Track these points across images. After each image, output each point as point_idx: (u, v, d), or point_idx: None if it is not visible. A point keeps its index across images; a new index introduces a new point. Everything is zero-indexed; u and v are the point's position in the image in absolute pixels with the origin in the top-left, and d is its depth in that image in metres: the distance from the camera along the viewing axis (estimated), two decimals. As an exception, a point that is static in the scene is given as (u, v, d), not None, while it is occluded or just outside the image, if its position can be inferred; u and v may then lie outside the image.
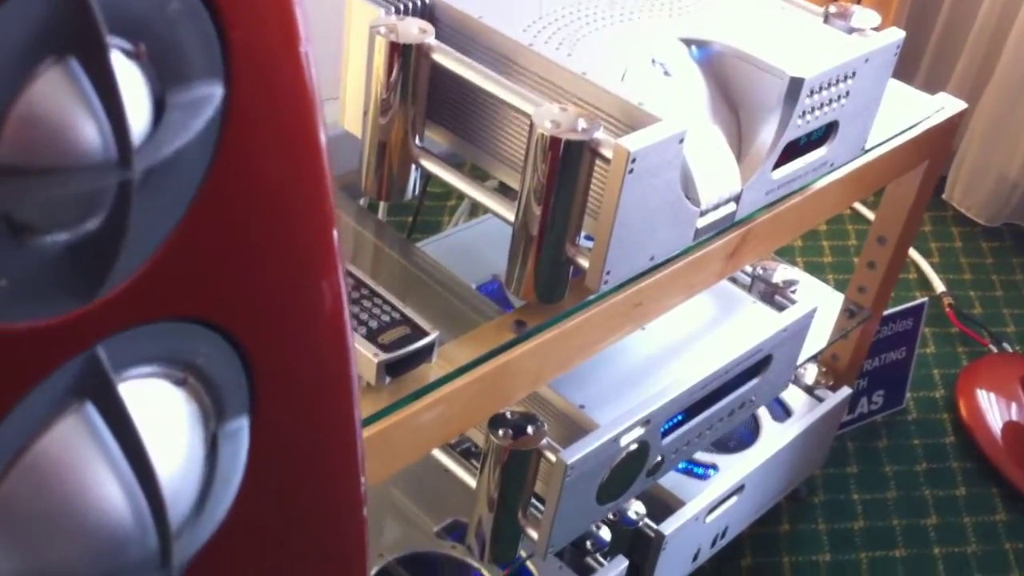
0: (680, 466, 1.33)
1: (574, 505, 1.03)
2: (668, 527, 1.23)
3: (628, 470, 1.07)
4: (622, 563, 1.19)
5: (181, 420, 0.34)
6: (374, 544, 1.15)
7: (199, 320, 0.35)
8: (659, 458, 1.10)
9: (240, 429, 0.37)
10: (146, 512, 0.32)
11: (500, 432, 0.99)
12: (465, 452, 1.21)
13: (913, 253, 2.10)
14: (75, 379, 0.31)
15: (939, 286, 2.04)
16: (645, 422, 1.04)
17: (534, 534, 1.04)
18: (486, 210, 0.94)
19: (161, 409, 0.34)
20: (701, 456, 1.34)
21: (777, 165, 1.01)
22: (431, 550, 1.16)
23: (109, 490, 0.31)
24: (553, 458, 0.99)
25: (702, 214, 0.95)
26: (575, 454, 0.99)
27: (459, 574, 1.15)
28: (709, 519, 1.29)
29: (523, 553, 1.09)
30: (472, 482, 1.07)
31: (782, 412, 1.44)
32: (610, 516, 1.20)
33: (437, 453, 1.20)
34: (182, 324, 0.34)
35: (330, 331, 0.44)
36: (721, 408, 1.15)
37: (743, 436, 1.40)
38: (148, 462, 0.32)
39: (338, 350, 0.45)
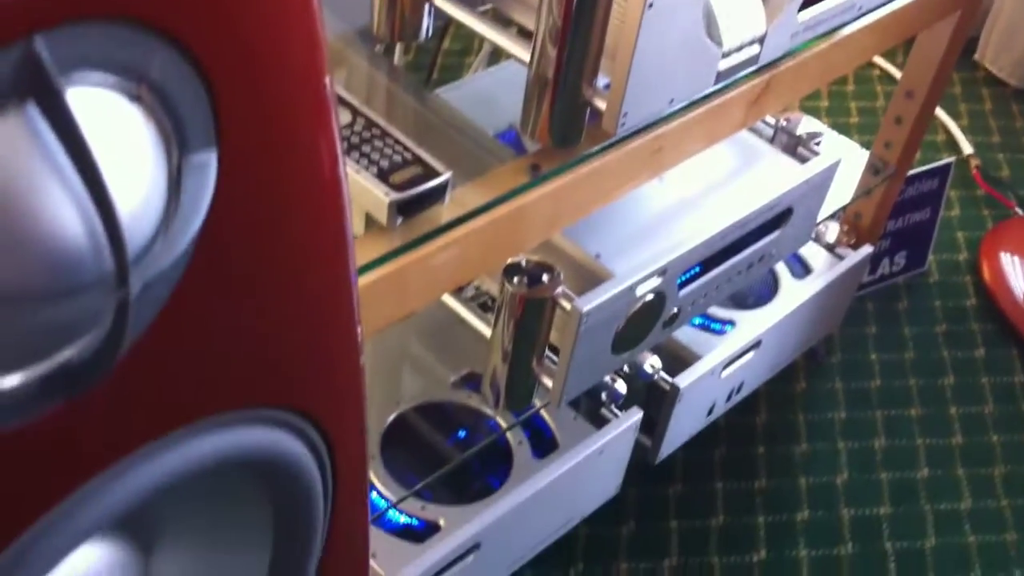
0: (697, 321, 1.33)
1: (589, 354, 1.02)
2: (683, 380, 1.23)
3: (644, 321, 1.06)
4: (637, 414, 1.19)
5: (137, 139, 0.33)
6: (391, 394, 1.16)
7: (149, 24, 0.31)
8: (675, 310, 1.10)
9: (206, 164, 0.35)
10: (100, 229, 0.31)
11: (515, 280, 0.98)
12: (482, 305, 1.21)
13: (942, 115, 2.06)
14: (12, 75, 0.29)
15: (967, 148, 2.00)
16: (662, 272, 1.03)
17: (549, 383, 1.04)
18: (506, 56, 0.91)
19: (114, 123, 0.32)
20: (718, 312, 1.33)
21: (803, 7, 0.97)
22: (447, 399, 1.16)
23: (57, 201, 0.29)
24: (568, 306, 0.98)
25: (724, 55, 0.92)
26: (590, 302, 0.98)
27: (474, 423, 1.16)
28: (725, 374, 1.29)
29: (537, 402, 1.09)
30: (488, 333, 1.06)
31: (802, 270, 1.42)
32: (625, 370, 1.21)
33: (454, 304, 1.20)
34: (131, 27, 0.31)
35: (302, 59, 0.39)
36: (739, 261, 1.14)
37: (761, 293, 1.39)
38: (99, 174, 0.30)
39: (313, 88, 0.40)
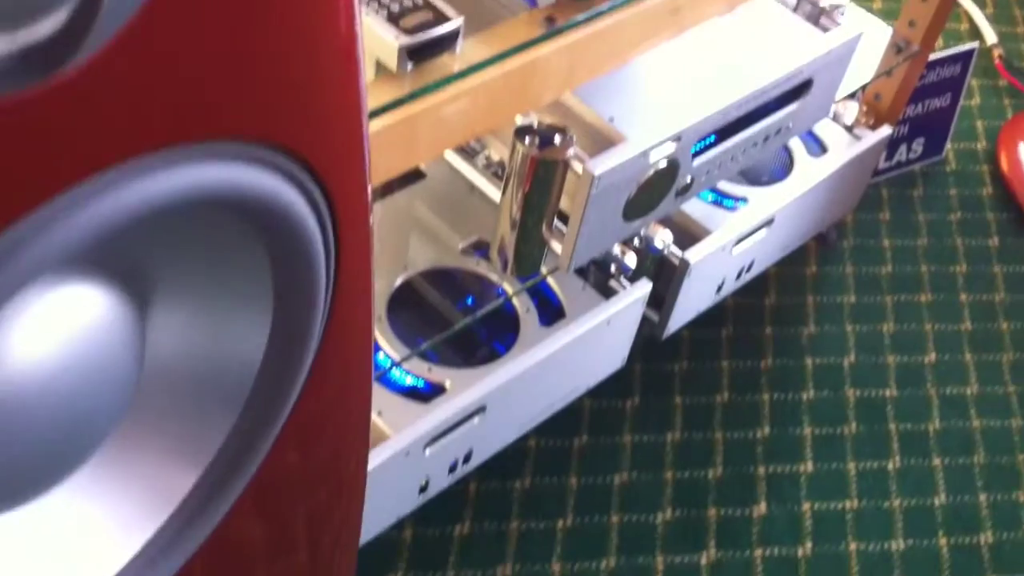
0: (710, 197, 1.31)
1: (599, 219, 1.02)
2: (694, 255, 1.22)
3: (656, 188, 1.05)
4: (646, 286, 1.19)
5: None
6: (398, 258, 1.16)
7: None
8: (688, 179, 1.08)
9: None
10: None
11: (526, 141, 0.97)
12: (495, 174, 1.20)
13: (966, 2, 2.01)
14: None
15: (991, 37, 1.96)
16: (676, 139, 1.02)
17: (558, 247, 1.03)
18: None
19: None
20: (732, 189, 1.32)
21: None
22: (455, 266, 1.16)
23: None
24: (580, 168, 0.97)
25: (748, -91, 0.89)
26: (603, 165, 0.97)
27: (482, 290, 1.16)
28: (736, 251, 1.28)
29: (545, 269, 1.09)
30: (499, 201, 1.05)
31: (818, 149, 1.40)
32: (635, 243, 1.20)
33: (465, 171, 1.18)
34: None
35: None
36: (755, 132, 1.12)
37: (776, 172, 1.37)
38: None
39: None
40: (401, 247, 1.17)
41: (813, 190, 1.35)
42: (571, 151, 0.97)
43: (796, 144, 1.38)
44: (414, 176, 1.22)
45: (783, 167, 1.37)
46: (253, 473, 0.32)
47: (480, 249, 1.18)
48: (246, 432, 0.30)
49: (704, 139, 1.07)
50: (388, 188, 1.20)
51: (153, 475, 0.29)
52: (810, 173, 1.35)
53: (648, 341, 1.34)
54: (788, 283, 1.53)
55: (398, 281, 1.14)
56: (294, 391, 0.30)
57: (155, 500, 0.30)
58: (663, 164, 1.03)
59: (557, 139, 0.97)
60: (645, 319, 1.25)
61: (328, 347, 0.32)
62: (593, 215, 1.00)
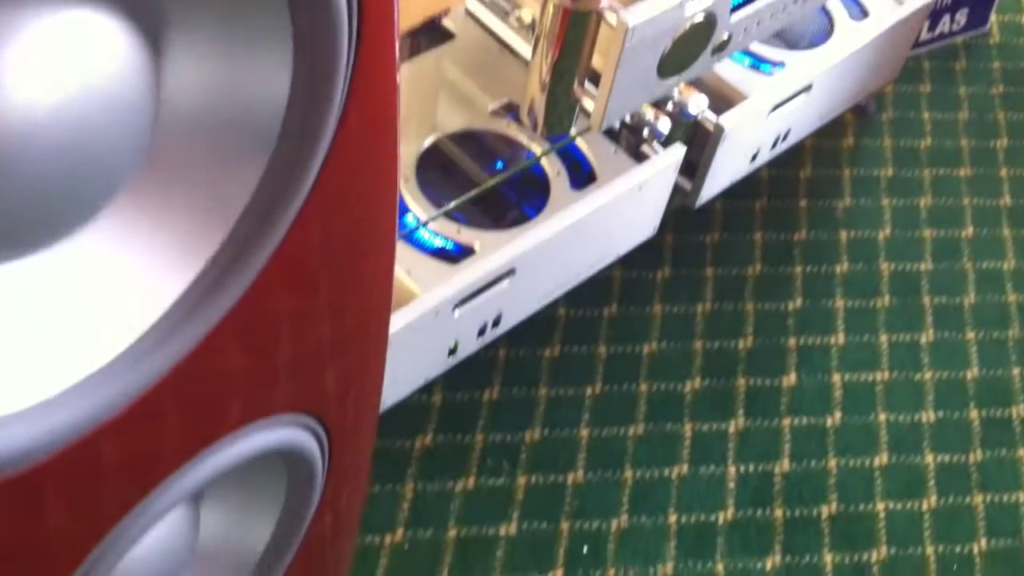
0: (747, 62, 1.28)
1: (633, 75, 0.99)
2: (729, 120, 1.20)
3: (692, 44, 1.02)
4: (679, 150, 1.16)
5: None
6: (427, 120, 1.14)
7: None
8: (726, 35, 1.05)
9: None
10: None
11: (559, -9, 0.94)
12: (527, 33, 1.16)
13: None
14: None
15: (1043, -95, 1.88)
16: (713, -9, 0.99)
17: (590, 105, 1.01)
18: None
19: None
20: (769, 53, 1.28)
21: None
22: (484, 128, 1.14)
23: None
24: (614, 20, 0.94)
25: None
26: (638, 16, 0.94)
27: (511, 153, 1.14)
28: (772, 116, 1.26)
29: (574, 131, 1.07)
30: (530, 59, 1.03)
31: (860, 13, 1.36)
32: (669, 108, 1.17)
33: (497, 29, 1.16)
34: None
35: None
36: (795, -12, 1.09)
37: (815, 37, 1.33)
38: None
39: None
40: (430, 109, 1.15)
41: (853, 56, 1.31)
42: (604, 2, 0.94)
43: (837, 7, 1.34)
44: (444, 37, 1.19)
45: (823, 32, 1.33)
46: (279, 241, 0.31)
47: (511, 111, 1.16)
48: (275, 183, 0.29)
49: (743, -7, 1.03)
50: (416, 48, 1.17)
51: (179, 228, 0.29)
52: (850, 38, 1.31)
53: (680, 211, 1.32)
54: (824, 155, 1.50)
55: (427, 143, 1.12)
56: (322, 139, 0.30)
57: (181, 256, 0.29)
58: (700, 18, 1.00)
59: (590, -10, 0.94)
60: (677, 188, 1.23)
61: (355, 97, 0.31)
62: (626, 70, 0.97)
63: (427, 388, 1.21)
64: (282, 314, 0.34)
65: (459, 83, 1.17)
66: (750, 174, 1.35)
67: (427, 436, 1.20)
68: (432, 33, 1.19)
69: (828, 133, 1.49)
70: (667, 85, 1.05)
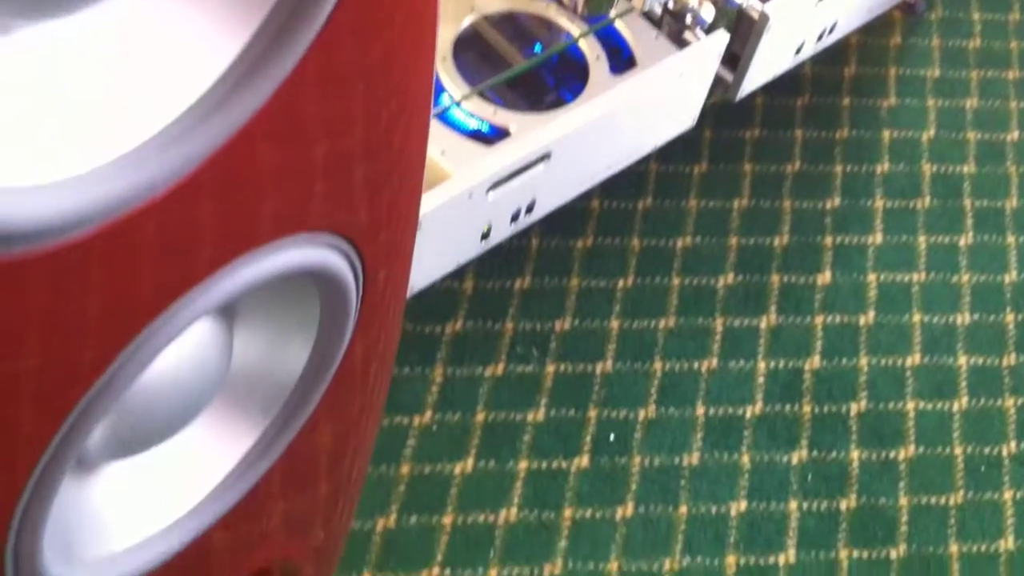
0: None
1: (677, -47, 0.97)
2: (774, 9, 1.17)
3: (739, -77, 0.99)
4: (723, 37, 1.14)
5: None
6: (465, 1, 1.12)
7: None
8: (774, -84, 1.02)
9: None
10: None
11: None
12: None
13: None
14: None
15: None
16: None
17: (632, -16, 0.99)
18: None
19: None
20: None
21: None
22: (524, 9, 1.12)
23: None
24: None
25: None
26: None
27: (549, 36, 1.12)
28: (819, 5, 1.22)
29: (613, 12, 1.04)
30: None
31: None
32: (714, -6, 1.15)
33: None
34: None
35: None
36: None
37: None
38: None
39: None
40: (469, -11, 1.13)
41: (905, -52, 1.27)
42: None
43: None
44: (484, -84, 1.17)
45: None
46: (319, 29, 0.31)
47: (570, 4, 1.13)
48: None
49: None
50: (457, -73, 1.15)
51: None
52: (903, -72, 1.27)
53: (720, 106, 1.30)
54: (870, 53, 1.46)
55: (465, 23, 1.10)
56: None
57: (229, 23, 0.29)
58: None
59: None
60: (718, 79, 1.21)
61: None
62: (671, -53, 0.95)
63: (459, 274, 1.21)
64: (317, 119, 0.34)
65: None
66: (793, 70, 1.32)
67: (457, 322, 1.20)
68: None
69: (875, 31, 1.46)
70: (712, -34, 1.02)
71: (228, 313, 0.42)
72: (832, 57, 1.42)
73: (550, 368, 1.19)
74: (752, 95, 1.31)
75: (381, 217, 0.42)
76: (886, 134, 1.39)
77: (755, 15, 1.17)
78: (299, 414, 0.46)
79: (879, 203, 1.34)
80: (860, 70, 1.44)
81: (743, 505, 1.13)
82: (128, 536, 0.43)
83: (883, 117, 1.41)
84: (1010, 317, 1.27)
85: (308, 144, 0.34)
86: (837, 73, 1.44)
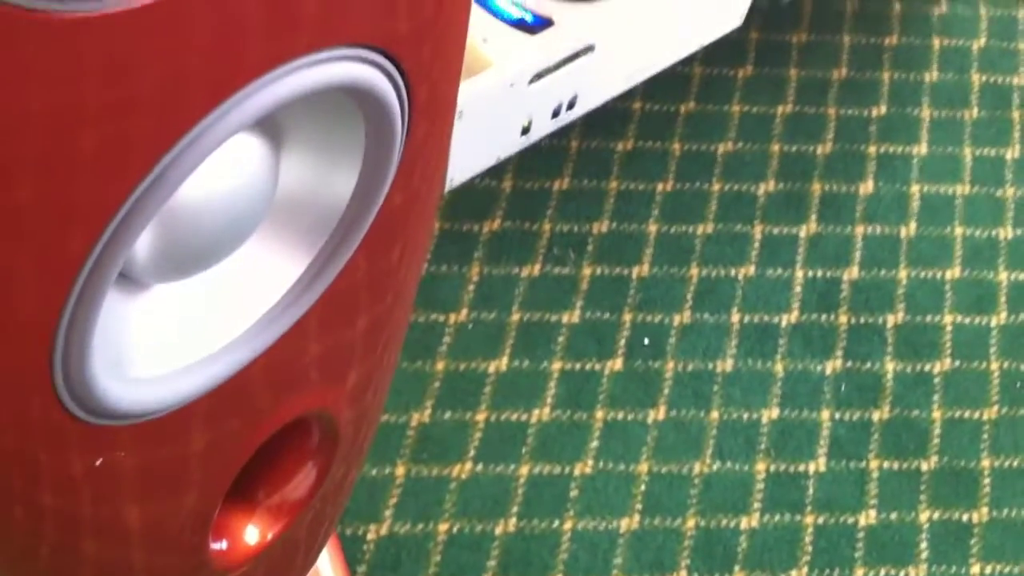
0: None
1: None
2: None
3: None
4: (774, -66, 1.11)
5: None
6: None
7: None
8: None
9: None
10: None
11: None
12: None
13: None
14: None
15: None
16: None
17: None
18: None
19: None
20: None
21: None
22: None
23: None
24: None
25: None
26: None
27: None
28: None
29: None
30: None
31: None
32: None
33: None
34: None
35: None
36: None
37: None
38: None
39: None
40: None
41: None
42: None
43: None
44: None
45: None
46: None
47: None
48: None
49: None
50: None
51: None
52: None
53: (769, 9, 1.27)
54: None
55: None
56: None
57: None
58: None
59: None
60: (768, -21, 1.18)
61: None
62: None
63: (497, 173, 1.20)
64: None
65: None
66: (844, -27, 1.29)
67: (495, 221, 1.19)
68: None
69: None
70: None
71: (274, 134, 0.42)
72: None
73: (586, 270, 1.18)
74: (800, -2, 1.29)
75: (424, 31, 0.41)
76: (936, 42, 1.36)
77: (810, -89, 1.14)
78: (343, 249, 0.46)
79: (926, 112, 1.31)
80: (911, -23, 1.41)
81: (775, 412, 1.12)
82: (174, 359, 0.44)
83: (934, 24, 1.37)
84: (1055, 232, 1.25)
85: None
86: (888, -22, 1.40)
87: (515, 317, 1.14)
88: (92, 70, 0.31)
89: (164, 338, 0.43)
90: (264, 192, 0.42)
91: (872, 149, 1.28)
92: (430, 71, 0.42)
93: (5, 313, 0.36)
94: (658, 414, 1.11)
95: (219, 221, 0.41)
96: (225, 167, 0.39)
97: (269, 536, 0.64)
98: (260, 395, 0.50)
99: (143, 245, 0.39)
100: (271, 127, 0.41)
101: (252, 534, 0.64)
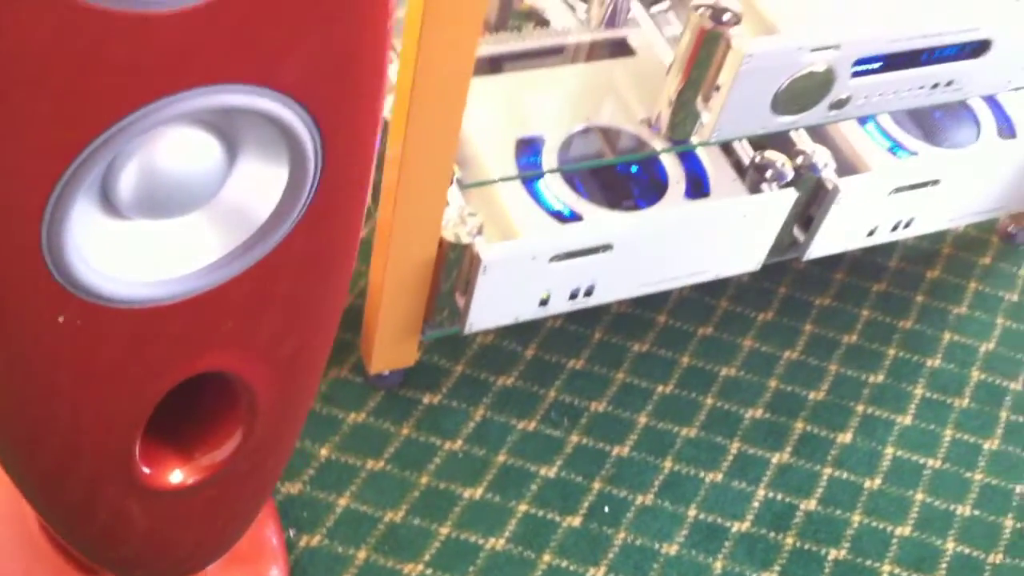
0: (887, 144, 1.40)
1: (747, 100, 1.15)
2: (847, 185, 1.33)
3: (809, 90, 1.17)
4: (791, 195, 1.31)
5: None
6: (582, 111, 1.33)
7: None
8: (845, 94, 1.20)
9: None
10: None
11: (700, 11, 1.12)
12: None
13: None
14: None
15: None
16: (835, 47, 1.14)
17: (706, 117, 1.18)
18: None
19: None
20: (908, 141, 1.40)
21: None
22: (630, 130, 1.32)
23: None
24: (737, 44, 1.11)
25: None
26: (758, 47, 1.11)
27: (639, 149, 1.32)
28: (892, 197, 1.38)
29: (695, 139, 1.23)
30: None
31: (1009, 132, 1.46)
32: (799, 160, 1.32)
33: (669, 58, 1.34)
34: None
35: None
36: (921, 74, 1.22)
37: (960, 137, 1.44)
38: None
39: None
40: (591, 104, 1.34)
41: (989, 167, 1.41)
42: (734, 29, 1.12)
43: (987, 119, 1.45)
44: (626, 51, 1.39)
45: (969, 134, 1.44)
46: None
47: (657, 125, 1.34)
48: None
49: (867, 60, 1.17)
50: (596, 54, 1.38)
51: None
52: (990, 151, 1.41)
53: (803, 272, 1.45)
54: (958, 264, 1.59)
55: (576, 128, 1.31)
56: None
57: None
58: (819, 68, 1.15)
59: (726, 16, 1.12)
60: (793, 240, 1.38)
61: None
62: (740, 93, 1.14)
63: (524, 340, 1.40)
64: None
65: (624, 91, 1.36)
66: (879, 261, 1.47)
67: (510, 378, 1.38)
68: (616, 46, 1.40)
69: (969, 247, 1.59)
70: (780, 122, 1.20)
71: (231, 139, 0.62)
72: (921, 258, 1.56)
73: (574, 438, 1.34)
74: (833, 270, 1.47)
75: (342, 95, 0.62)
76: (947, 335, 1.51)
77: (829, 185, 1.33)
78: (267, 239, 0.67)
79: (919, 391, 1.44)
80: (943, 276, 1.57)
81: (707, 609, 1.24)
82: (127, 271, 0.64)
83: (950, 320, 1.52)
84: (1009, 522, 1.34)
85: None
86: (920, 273, 1.57)
87: (500, 458, 1.31)
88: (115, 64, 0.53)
89: (127, 254, 0.65)
90: (211, 176, 0.63)
91: (860, 408, 1.42)
92: (337, 122, 0.63)
93: (8, 197, 0.57)
94: (598, 573, 1.24)
95: (172, 186, 0.62)
96: (180, 151, 0.60)
97: (191, 481, 0.83)
98: (184, 335, 0.70)
99: (123, 189, 0.61)
100: (228, 132, 0.63)
101: (176, 475, 0.83)
